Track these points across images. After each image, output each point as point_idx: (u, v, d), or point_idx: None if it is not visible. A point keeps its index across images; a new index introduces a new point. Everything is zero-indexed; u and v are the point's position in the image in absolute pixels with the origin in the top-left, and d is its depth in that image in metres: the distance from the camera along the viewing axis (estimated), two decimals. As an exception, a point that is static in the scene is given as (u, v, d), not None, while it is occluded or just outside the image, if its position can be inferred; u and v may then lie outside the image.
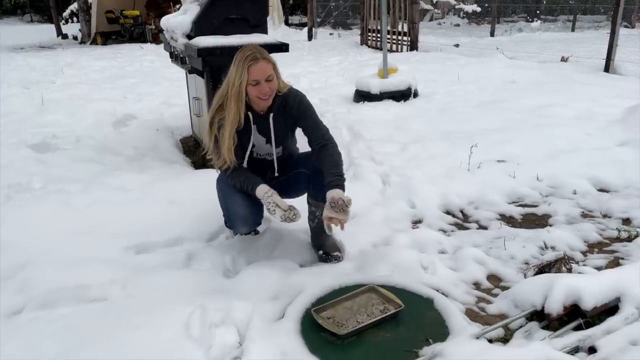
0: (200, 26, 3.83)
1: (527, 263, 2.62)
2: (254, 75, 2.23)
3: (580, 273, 2.39)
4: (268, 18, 4.41)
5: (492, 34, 14.76)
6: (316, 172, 2.45)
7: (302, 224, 2.67)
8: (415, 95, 6.35)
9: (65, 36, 18.17)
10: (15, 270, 2.45)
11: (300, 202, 2.60)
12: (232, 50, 3.82)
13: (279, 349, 1.93)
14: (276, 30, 16.15)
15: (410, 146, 4.34)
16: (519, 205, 3.42)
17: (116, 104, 6.24)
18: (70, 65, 10.56)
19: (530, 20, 19.82)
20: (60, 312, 2.18)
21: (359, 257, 2.66)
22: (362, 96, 6.33)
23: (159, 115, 5.75)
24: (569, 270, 2.36)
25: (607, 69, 7.44)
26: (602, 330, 1.97)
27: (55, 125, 5.27)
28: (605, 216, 3.20)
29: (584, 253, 2.74)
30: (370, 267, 2.51)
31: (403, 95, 6.23)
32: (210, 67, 3.80)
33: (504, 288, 2.40)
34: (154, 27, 14.98)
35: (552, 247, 2.79)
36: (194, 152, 4.68)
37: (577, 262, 2.63)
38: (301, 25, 19.03)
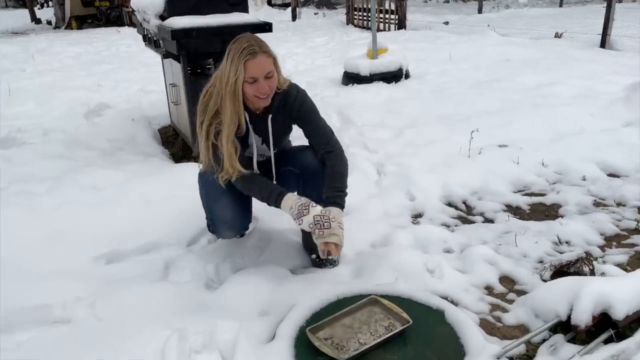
0: (174, 5, 3.48)
1: (541, 262, 2.38)
2: (251, 72, 1.89)
3: (603, 274, 2.15)
4: (249, -4, 4.06)
5: (479, 11, 14.42)
6: (306, 170, 2.17)
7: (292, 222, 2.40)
8: (407, 76, 6.05)
9: (39, 21, 17.46)
10: (-33, 288, 2.15)
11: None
12: (210, 32, 3.50)
13: (270, 377, 1.67)
14: (258, 10, 15.66)
15: (405, 131, 4.07)
16: (525, 195, 3.17)
17: (90, 93, 5.86)
18: (42, 51, 10.05)
19: (517, -4, 19.46)
20: (17, 339, 1.89)
21: (356, 260, 2.40)
22: (351, 78, 6.01)
23: (136, 103, 5.40)
24: (592, 272, 2.11)
25: (603, 44, 7.20)
26: (636, 343, 1.75)
27: (22, 117, 4.89)
28: (619, 204, 2.97)
29: (602, 248, 2.50)
30: (370, 272, 2.25)
31: (394, 76, 5.93)
32: (187, 50, 3.47)
33: (520, 292, 2.16)
34: (131, 9, 14.38)
35: (566, 242, 2.55)
36: (173, 142, 4.36)
37: (596, 259, 2.39)
38: (284, 5, 18.48)
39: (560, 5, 16.06)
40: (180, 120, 4.21)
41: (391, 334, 1.77)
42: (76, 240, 2.54)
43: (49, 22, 16.87)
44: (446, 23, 11.43)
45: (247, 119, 2.07)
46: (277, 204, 2.03)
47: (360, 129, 4.15)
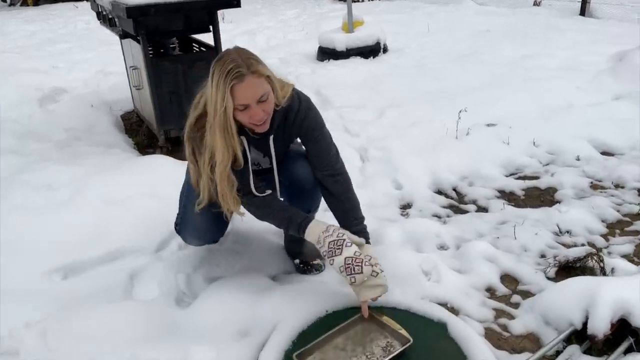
0: (129, -22, 3.11)
1: (543, 256, 2.20)
2: (240, 99, 1.56)
3: (613, 270, 1.97)
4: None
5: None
6: (296, 185, 1.92)
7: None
8: (385, 50, 5.77)
9: (-9, -2, 16.38)
10: None
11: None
12: (170, 9, 3.15)
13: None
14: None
15: (387, 112, 3.82)
16: (518, 178, 2.98)
17: (44, 76, 5.38)
18: (-6, 30, 9.37)
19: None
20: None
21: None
22: (327, 54, 5.70)
23: (95, 87, 4.99)
24: (602, 270, 1.93)
25: (582, 12, 7.02)
26: (659, 352, 1.57)
27: (-33, 107, 4.46)
28: (617, 186, 2.80)
29: (605, 237, 2.34)
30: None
31: (372, 50, 5.64)
32: (146, 29, 3.13)
33: (524, 293, 1.97)
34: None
35: (567, 232, 2.37)
36: (137, 130, 4.02)
37: (601, 250, 2.22)
38: (252, -24, 17.74)
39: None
40: (143, 105, 3.87)
41: (390, 356, 1.56)
42: (26, 252, 2.24)
43: (4, 0, 15.85)
44: (421, -8, 11.06)
45: (246, 143, 1.75)
46: (300, 232, 1.76)
47: (339, 110, 3.89)
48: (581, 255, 1.98)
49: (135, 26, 3.00)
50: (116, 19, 3.35)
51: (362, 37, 5.63)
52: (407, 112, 3.78)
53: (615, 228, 2.40)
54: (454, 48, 5.75)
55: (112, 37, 7.20)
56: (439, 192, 2.87)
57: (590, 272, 2.02)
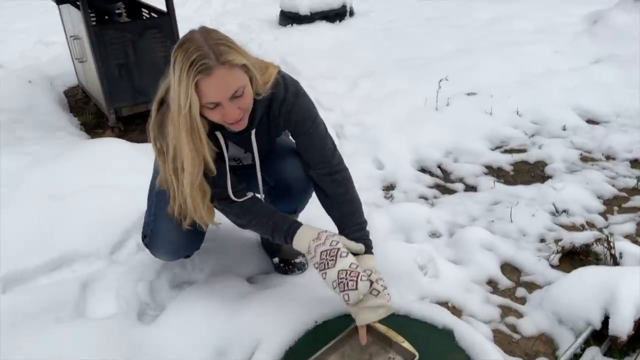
0: None
1: (543, 240, 2.03)
2: (208, 96, 1.25)
3: (621, 255, 1.81)
4: None
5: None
6: (282, 185, 1.64)
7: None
8: (351, 13, 5.45)
9: None
10: None
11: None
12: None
13: None
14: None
15: (361, 82, 3.55)
16: (505, 152, 2.80)
17: (-26, 48, 4.82)
18: None
19: None
20: None
21: (329, 258, 1.93)
22: (290, 18, 5.33)
23: (34, 60, 4.47)
24: (613, 258, 1.77)
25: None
26: (685, 351, 1.43)
27: None
28: (609, 158, 2.66)
29: (604, 215, 2.19)
30: (350, 277, 1.79)
31: (337, 14, 5.30)
32: (85, -7, 2.71)
33: (529, 285, 1.80)
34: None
35: (564, 211, 2.21)
36: (83, 108, 3.60)
37: (601, 230, 2.07)
38: None
39: None
40: (89, 80, 3.46)
41: (395, 377, 1.35)
42: (-45, 263, 1.90)
43: None
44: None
45: (222, 140, 1.45)
46: (288, 240, 1.49)
47: (310, 81, 3.58)
48: (589, 241, 1.81)
49: (73, -11, 2.59)
50: (50, -18, 2.90)
51: (326, -1, 5.28)
52: (382, 82, 3.52)
53: (612, 205, 2.26)
54: (423, 11, 5.49)
55: (51, 2, 6.58)
56: (423, 171, 2.66)
57: (595, 257, 1.86)
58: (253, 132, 1.48)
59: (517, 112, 3.12)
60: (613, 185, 2.38)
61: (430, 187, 2.51)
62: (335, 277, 1.37)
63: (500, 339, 1.57)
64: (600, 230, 2.06)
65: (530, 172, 2.60)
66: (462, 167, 2.64)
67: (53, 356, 1.49)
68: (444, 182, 2.55)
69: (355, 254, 1.47)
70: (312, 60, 3.98)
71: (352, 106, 3.20)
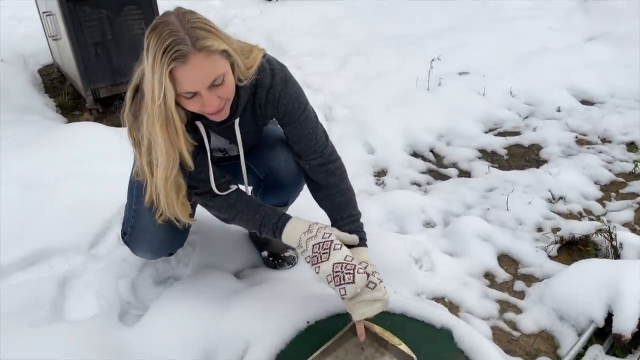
0: None
1: (540, 229, 1.97)
2: (184, 85, 1.13)
3: (621, 246, 1.76)
4: None
5: None
6: (272, 177, 1.55)
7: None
8: (339, -13, 5.25)
9: None
10: None
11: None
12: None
13: None
14: None
15: (350, 61, 3.43)
16: (498, 135, 2.73)
17: (-59, 24, 4.57)
18: None
19: None
20: None
21: (320, 251, 1.85)
22: (275, -8, 5.14)
23: (5, 37, 4.25)
24: (614, 250, 1.71)
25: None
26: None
27: None
28: (604, 141, 2.60)
29: (601, 202, 2.14)
30: (342, 271, 1.71)
31: (324, -12, 5.11)
32: (56, -34, 2.53)
33: (527, 278, 1.74)
34: None
35: (561, 198, 2.15)
36: (59, 88, 3.43)
37: (599, 218, 2.02)
38: None
39: None
40: (64, 60, 3.28)
41: (393, 383, 1.28)
42: None
43: None
44: None
45: (203, 131, 1.34)
46: (277, 235, 1.39)
47: (296, 59, 3.45)
48: (590, 232, 1.75)
49: (41, -38, 2.41)
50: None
51: (313, -28, 5.08)
52: (372, 60, 3.40)
53: (610, 190, 2.21)
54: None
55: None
56: (415, 155, 2.58)
57: (594, 247, 1.81)
58: (237, 121, 1.37)
59: (511, 92, 3.04)
60: (610, 170, 2.33)
61: (423, 172, 2.43)
62: (330, 270, 1.29)
63: (500, 337, 1.51)
64: (598, 218, 2.01)
65: (525, 156, 2.53)
66: (455, 151, 2.56)
67: (29, 363, 1.40)
68: (437, 167, 2.47)
69: (349, 246, 1.39)
70: (298, 37, 3.84)
71: (341, 86, 3.08)
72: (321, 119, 2.78)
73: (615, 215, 2.02)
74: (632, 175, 2.30)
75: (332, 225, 1.46)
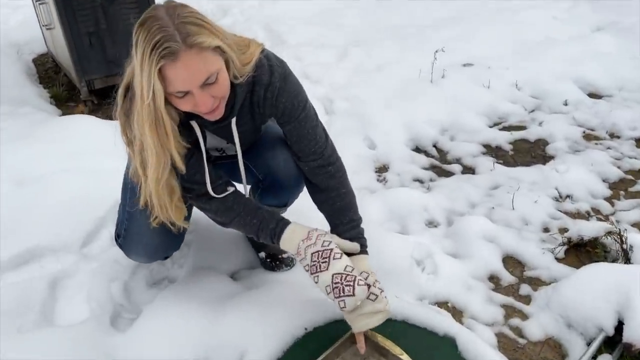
0: None
1: (547, 229, 1.91)
2: (175, 84, 1.06)
3: (631, 249, 1.70)
4: None
5: None
6: (271, 178, 1.47)
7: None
8: (340, -25, 5.14)
9: None
10: None
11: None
12: None
13: None
14: None
15: (350, 52, 3.34)
16: (503, 129, 2.66)
17: None
18: None
19: None
20: None
21: (319, 252, 1.79)
22: (274, -20, 5.02)
23: (-1, 25, 4.17)
24: (625, 253, 1.65)
25: None
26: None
27: None
28: (612, 136, 2.53)
29: (610, 200, 2.07)
30: (342, 274, 1.66)
31: (325, -24, 5.00)
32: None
33: (533, 281, 1.68)
34: None
35: (568, 196, 2.08)
36: (53, 79, 3.36)
37: (607, 218, 1.96)
38: None
39: None
40: (58, 50, 3.20)
41: (394, 395, 1.23)
42: None
43: None
44: None
45: (198, 130, 1.27)
46: (275, 240, 1.33)
47: (295, 50, 3.36)
48: (599, 235, 1.69)
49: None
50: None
51: (314, -40, 4.96)
52: (373, 52, 3.32)
53: (618, 189, 2.14)
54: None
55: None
56: (418, 150, 2.51)
57: (603, 248, 1.75)
58: (233, 120, 1.30)
59: (516, 85, 2.96)
60: (618, 167, 2.26)
61: (426, 168, 2.37)
62: (329, 281, 1.24)
63: (505, 345, 1.46)
64: (607, 217, 1.95)
65: (531, 152, 2.46)
66: (459, 146, 2.49)
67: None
68: (440, 162, 2.41)
69: (349, 254, 1.33)
70: (297, 27, 3.75)
71: (341, 78, 3.00)
72: (321, 112, 2.73)
73: (625, 215, 1.96)
74: (641, 173, 2.23)
75: (332, 231, 1.40)
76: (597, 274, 1.51)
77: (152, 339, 1.46)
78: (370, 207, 1.98)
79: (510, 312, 1.57)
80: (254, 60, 1.21)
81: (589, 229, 1.75)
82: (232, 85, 1.20)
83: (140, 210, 1.33)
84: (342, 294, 1.22)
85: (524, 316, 1.55)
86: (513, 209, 1.99)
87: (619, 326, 1.39)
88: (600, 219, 1.94)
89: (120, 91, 1.21)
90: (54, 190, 2.05)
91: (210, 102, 1.11)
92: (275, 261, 1.73)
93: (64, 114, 2.94)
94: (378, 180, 2.29)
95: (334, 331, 1.40)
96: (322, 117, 2.71)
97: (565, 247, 1.76)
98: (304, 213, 1.87)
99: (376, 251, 1.69)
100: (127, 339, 1.48)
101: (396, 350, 1.31)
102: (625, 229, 1.71)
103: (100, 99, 3.02)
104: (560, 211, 2.00)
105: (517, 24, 3.65)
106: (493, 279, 1.70)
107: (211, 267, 1.74)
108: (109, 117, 2.65)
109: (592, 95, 2.92)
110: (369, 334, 1.35)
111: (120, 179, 1.59)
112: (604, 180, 2.18)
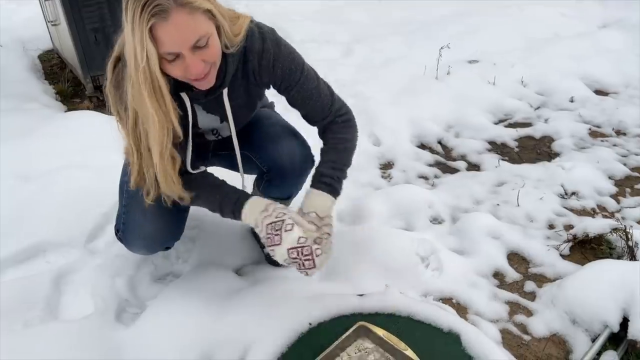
0: None
1: (552, 226, 1.90)
2: (166, 45, 1.06)
3: (637, 245, 1.69)
4: None
5: None
6: (277, 168, 1.47)
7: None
8: (345, -29, 5.12)
9: None
10: None
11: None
12: None
13: None
14: None
15: (355, 48, 3.33)
16: (509, 126, 2.65)
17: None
18: None
19: None
20: None
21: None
22: (279, -24, 5.01)
23: (5, 20, 4.17)
24: (630, 250, 1.64)
25: None
26: None
27: None
28: (619, 133, 2.52)
29: (615, 198, 2.06)
30: (347, 270, 1.66)
31: (330, -28, 4.99)
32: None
33: (538, 278, 1.68)
34: None
35: (574, 193, 2.08)
36: (59, 75, 3.36)
37: (613, 215, 1.95)
38: None
39: None
40: (64, 46, 3.21)
41: (398, 390, 1.23)
42: None
43: None
44: None
45: (189, 103, 1.27)
46: (237, 216, 1.33)
47: (300, 45, 3.29)
48: (605, 232, 1.68)
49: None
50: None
51: (318, -44, 4.94)
52: (378, 48, 3.31)
53: (624, 186, 2.13)
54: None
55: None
56: (423, 147, 2.50)
57: (608, 245, 1.74)
58: (225, 91, 1.29)
59: (522, 81, 2.95)
60: (625, 164, 2.25)
61: (431, 165, 2.36)
62: (285, 255, 1.25)
63: (509, 341, 1.46)
64: (613, 214, 1.94)
65: (536, 149, 2.45)
66: (464, 143, 2.49)
67: (22, 364, 1.36)
68: (445, 159, 2.40)
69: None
70: (302, 23, 3.74)
71: (347, 74, 3.00)
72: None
73: (630, 212, 1.95)
74: (647, 170, 2.22)
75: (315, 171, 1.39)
76: (602, 271, 1.51)
77: (157, 333, 1.47)
78: (375, 203, 1.98)
79: (514, 308, 1.57)
80: (244, 30, 1.22)
81: (595, 225, 1.74)
82: (224, 55, 1.20)
83: (135, 203, 1.34)
84: (303, 267, 1.25)
85: (529, 312, 1.55)
86: (518, 205, 1.99)
87: (624, 322, 1.38)
88: (605, 216, 1.93)
89: (110, 64, 1.21)
90: (59, 186, 2.06)
91: (201, 67, 1.11)
92: (280, 257, 1.73)
93: (69, 110, 2.95)
94: (383, 176, 2.29)
95: (337, 326, 1.40)
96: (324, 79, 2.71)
97: (570, 244, 1.76)
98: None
99: (381, 249, 1.71)
100: (132, 333, 1.49)
101: (401, 345, 1.31)
102: (631, 226, 1.70)
103: (106, 95, 3.02)
104: (566, 208, 1.99)
105: (523, 20, 3.63)
106: (498, 275, 1.70)
107: (216, 262, 1.74)
108: (114, 113, 2.67)
109: (598, 92, 2.90)
110: (374, 330, 1.35)
111: (121, 175, 1.60)
112: (609, 177, 2.17)
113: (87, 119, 2.59)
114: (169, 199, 1.31)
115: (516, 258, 1.77)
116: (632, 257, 1.63)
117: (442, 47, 2.88)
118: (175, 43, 1.06)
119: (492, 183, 2.17)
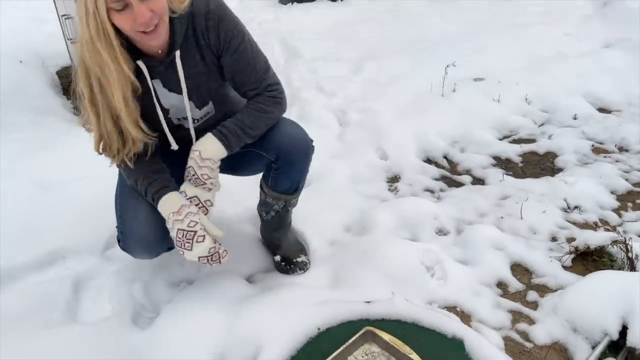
0: None
1: (554, 239, 1.95)
2: None
3: (637, 257, 1.73)
4: None
5: None
6: (284, 155, 1.55)
7: (251, 208, 1.87)
8: (354, -9, 5.26)
9: None
10: None
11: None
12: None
13: None
14: None
15: (363, 65, 3.42)
16: (513, 142, 2.71)
17: (-38, 25, 4.64)
18: None
19: None
20: None
21: (331, 257, 1.85)
22: (290, -4, 5.16)
23: (26, 37, 4.31)
24: (630, 262, 1.69)
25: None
26: None
27: None
28: (621, 150, 2.57)
29: (617, 212, 2.11)
30: (354, 278, 1.72)
31: (339, -8, 5.13)
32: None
33: (540, 288, 1.72)
34: None
35: (576, 207, 2.12)
36: (76, 90, 3.47)
37: (614, 228, 1.99)
38: None
39: None
40: (82, 62, 3.32)
41: (403, 392, 1.28)
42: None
43: None
44: None
45: (146, 71, 1.35)
46: (155, 204, 1.44)
47: (310, 63, 3.45)
48: (605, 244, 1.73)
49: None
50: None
51: (328, -24, 5.09)
52: (386, 66, 3.40)
53: (626, 200, 2.18)
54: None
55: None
56: (429, 161, 2.57)
57: (609, 257, 1.78)
58: (177, 53, 1.36)
59: (526, 99, 3.02)
60: (627, 180, 2.30)
61: (436, 179, 2.42)
62: (195, 258, 1.42)
63: (511, 348, 1.50)
64: (614, 228, 1.98)
65: (540, 164, 2.51)
66: (469, 158, 2.55)
67: (43, 364, 1.42)
68: (451, 173, 2.46)
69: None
70: (312, 41, 3.85)
71: (355, 91, 3.08)
72: (334, 123, 2.80)
73: (632, 226, 1.99)
74: (649, 186, 2.26)
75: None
76: (603, 281, 1.55)
77: (170, 336, 1.53)
78: (382, 214, 2.04)
79: (517, 317, 1.61)
80: None
81: (596, 238, 1.79)
82: (171, 20, 1.29)
83: (129, 210, 1.50)
84: (210, 261, 1.44)
85: (531, 321, 1.59)
86: (521, 218, 2.04)
87: (624, 331, 1.42)
88: (607, 229, 1.98)
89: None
90: (76, 196, 2.14)
91: (149, 16, 1.19)
92: (290, 264, 1.79)
93: (86, 123, 3.04)
94: (389, 189, 2.35)
95: (345, 331, 1.45)
96: (336, 129, 2.79)
97: (572, 256, 1.80)
98: (310, 217, 1.95)
99: (387, 258, 1.76)
100: (147, 336, 1.55)
101: (405, 349, 1.36)
102: (631, 238, 1.75)
103: (121, 109, 3.12)
104: (568, 221, 2.04)
105: (527, 39, 3.71)
106: (501, 285, 1.75)
107: (227, 269, 1.80)
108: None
109: (601, 110, 2.96)
110: (379, 334, 1.40)
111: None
112: (612, 192, 2.22)
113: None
114: (132, 152, 1.40)
115: (519, 269, 1.82)
116: (632, 269, 1.68)
117: (448, 65, 2.96)
118: None
119: (497, 197, 2.22)
